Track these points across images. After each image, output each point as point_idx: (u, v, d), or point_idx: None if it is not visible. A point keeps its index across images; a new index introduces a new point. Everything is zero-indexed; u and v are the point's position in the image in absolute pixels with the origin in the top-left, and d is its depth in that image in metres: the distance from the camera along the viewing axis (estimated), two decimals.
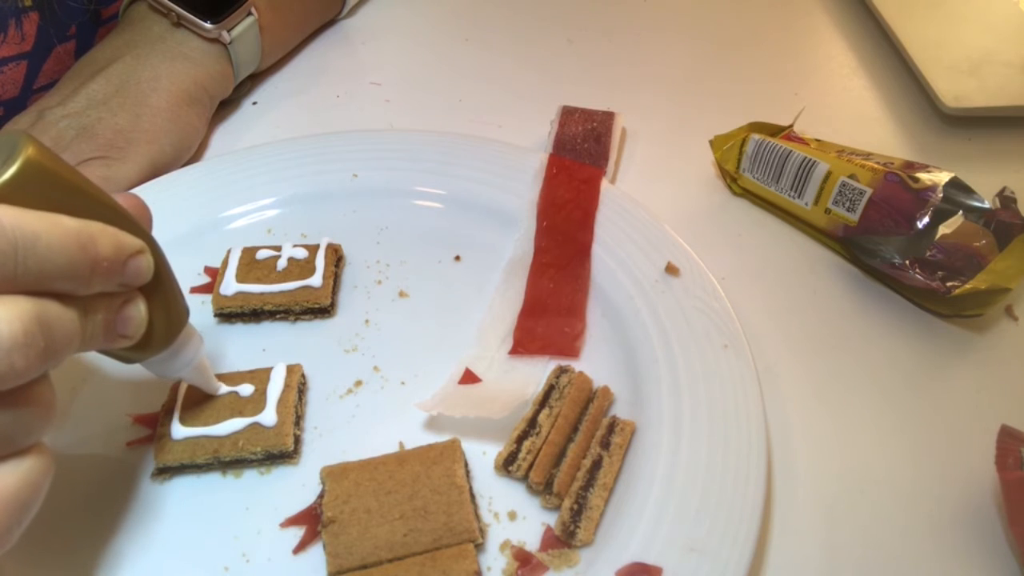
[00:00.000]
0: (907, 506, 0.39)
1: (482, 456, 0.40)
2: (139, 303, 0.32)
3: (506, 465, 0.39)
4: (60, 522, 0.37)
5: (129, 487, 0.39)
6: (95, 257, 0.28)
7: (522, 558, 0.36)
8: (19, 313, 0.25)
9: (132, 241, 0.30)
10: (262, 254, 0.48)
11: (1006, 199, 0.48)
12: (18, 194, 0.26)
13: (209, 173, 0.54)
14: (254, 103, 0.64)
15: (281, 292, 0.46)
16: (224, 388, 0.41)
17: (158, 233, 0.34)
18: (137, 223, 0.32)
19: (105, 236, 0.28)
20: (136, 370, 0.44)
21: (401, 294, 0.49)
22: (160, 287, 0.33)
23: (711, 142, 0.57)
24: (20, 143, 0.27)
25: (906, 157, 0.51)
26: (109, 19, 0.62)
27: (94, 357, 0.44)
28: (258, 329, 0.47)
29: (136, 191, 0.51)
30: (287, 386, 0.41)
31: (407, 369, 0.44)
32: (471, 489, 0.38)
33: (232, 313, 0.46)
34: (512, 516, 0.38)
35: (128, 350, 0.34)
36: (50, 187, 0.27)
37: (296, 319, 0.47)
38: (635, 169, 0.58)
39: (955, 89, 0.60)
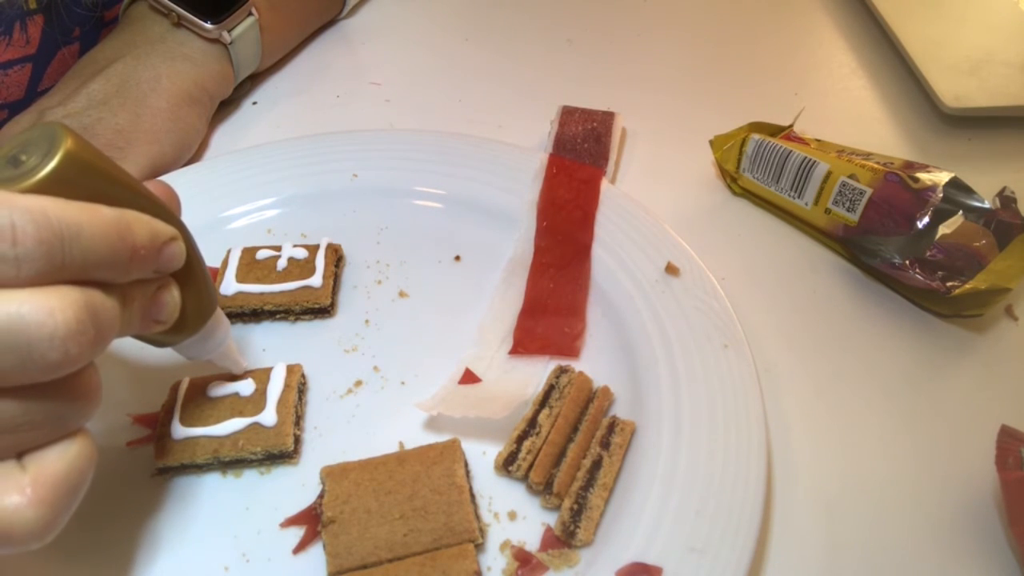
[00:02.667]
0: (907, 506, 0.39)
1: (482, 456, 0.40)
2: (172, 289, 0.32)
3: (506, 465, 0.39)
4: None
5: (129, 487, 0.39)
6: (133, 245, 0.28)
7: (522, 558, 0.36)
8: (71, 302, 0.25)
9: (165, 228, 0.31)
10: (262, 254, 0.48)
11: (1006, 199, 0.48)
12: (59, 185, 0.26)
13: (209, 173, 0.54)
14: (254, 103, 0.64)
15: (281, 292, 0.46)
16: (247, 365, 0.42)
17: None
18: (168, 210, 0.32)
19: (141, 224, 0.29)
20: (136, 370, 0.44)
21: (401, 294, 0.49)
22: (191, 272, 0.34)
23: (711, 142, 0.57)
24: (58, 134, 0.27)
25: (906, 157, 0.51)
26: (112, 21, 0.62)
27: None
28: (258, 329, 0.47)
29: None
30: (287, 386, 0.41)
31: (407, 369, 0.44)
32: (471, 489, 0.38)
33: (232, 313, 0.46)
34: (512, 516, 0.38)
35: (162, 334, 0.34)
36: (89, 177, 0.28)
37: (296, 319, 0.47)
38: (635, 169, 0.58)
39: (955, 89, 0.60)
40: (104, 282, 0.28)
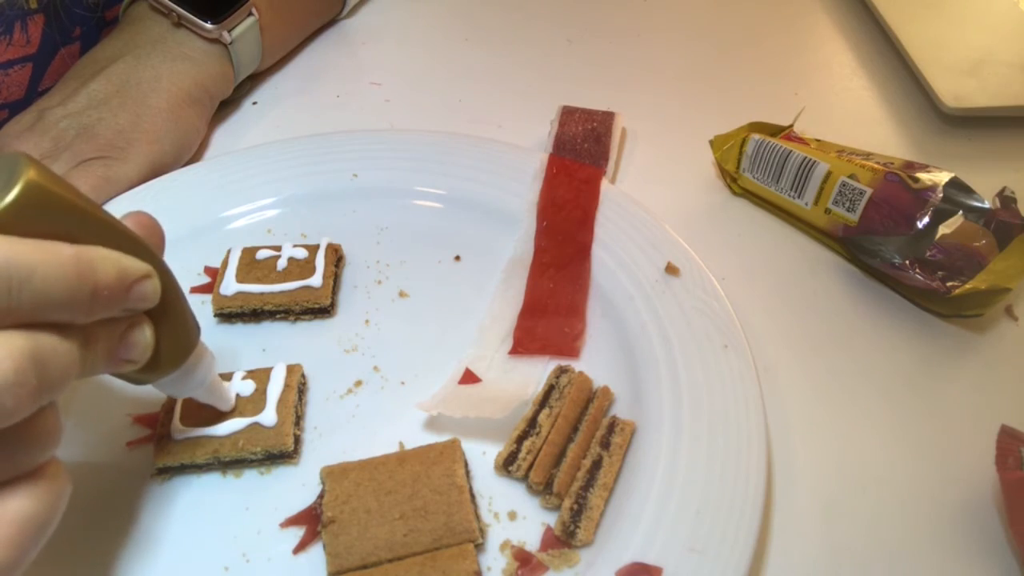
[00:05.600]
0: (907, 506, 0.39)
1: (482, 456, 0.40)
2: (144, 327, 0.31)
3: (506, 465, 0.39)
4: (60, 522, 0.37)
5: (129, 487, 0.39)
6: (95, 286, 0.27)
7: (522, 558, 0.36)
8: (10, 351, 0.24)
9: (137, 266, 0.29)
10: (262, 254, 0.48)
11: (1006, 199, 0.48)
12: (18, 220, 0.25)
13: (209, 173, 0.54)
14: (254, 103, 0.64)
15: (281, 292, 0.46)
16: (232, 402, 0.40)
17: None
18: (144, 244, 0.31)
19: (107, 263, 0.27)
20: None
21: (401, 294, 0.49)
22: (168, 309, 0.32)
23: (711, 142, 0.57)
24: (20, 166, 0.25)
25: (906, 157, 0.51)
26: (113, 21, 0.62)
27: None
28: (258, 329, 0.47)
29: (136, 191, 0.51)
30: (287, 386, 0.41)
31: (407, 369, 0.44)
32: (471, 489, 0.38)
33: (232, 313, 0.46)
34: (512, 516, 0.38)
35: (136, 372, 0.33)
36: (51, 211, 0.26)
37: (296, 319, 0.47)
38: (635, 169, 0.58)
39: (955, 89, 0.60)
40: (64, 322, 0.26)
